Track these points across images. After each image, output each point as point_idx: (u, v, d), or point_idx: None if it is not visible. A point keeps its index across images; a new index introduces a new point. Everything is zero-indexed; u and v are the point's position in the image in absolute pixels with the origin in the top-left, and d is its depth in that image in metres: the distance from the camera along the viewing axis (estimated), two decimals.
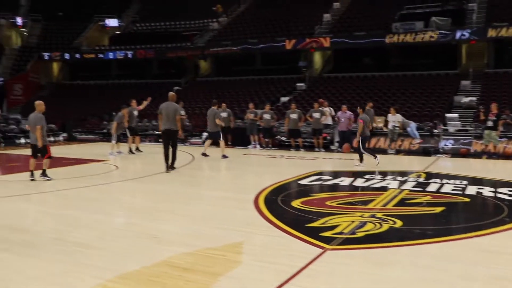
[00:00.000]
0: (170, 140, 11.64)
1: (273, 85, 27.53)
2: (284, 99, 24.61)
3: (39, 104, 10.31)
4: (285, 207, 7.76)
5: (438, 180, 10.25)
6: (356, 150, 13.03)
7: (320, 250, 5.35)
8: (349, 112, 16.77)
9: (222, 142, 14.78)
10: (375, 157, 12.59)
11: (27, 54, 34.09)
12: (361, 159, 12.72)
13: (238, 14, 33.64)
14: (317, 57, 28.76)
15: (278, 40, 27.53)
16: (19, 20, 35.65)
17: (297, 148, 17.20)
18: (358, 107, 13.36)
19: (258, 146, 17.92)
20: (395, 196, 8.51)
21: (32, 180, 10.15)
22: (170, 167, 11.71)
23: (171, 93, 12.38)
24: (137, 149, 16.45)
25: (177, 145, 11.85)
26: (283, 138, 18.43)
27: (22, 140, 21.61)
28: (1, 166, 14.06)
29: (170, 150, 11.66)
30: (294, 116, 17.13)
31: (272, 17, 30.99)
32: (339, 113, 16.88)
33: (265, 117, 17.50)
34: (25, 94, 32.02)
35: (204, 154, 15.02)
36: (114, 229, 6.69)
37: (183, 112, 15.73)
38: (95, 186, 9.63)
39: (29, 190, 9.28)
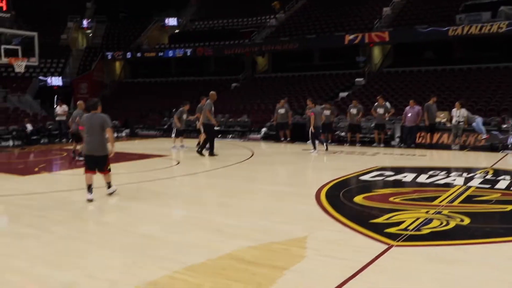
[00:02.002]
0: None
1: (331, 80, 27.27)
2: (343, 94, 24.34)
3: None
4: (348, 202, 7.69)
5: (508, 177, 9.81)
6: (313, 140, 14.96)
7: (385, 246, 5.27)
8: (417, 107, 16.36)
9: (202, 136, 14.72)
10: (315, 149, 14.76)
11: (92, 55, 35.42)
12: (314, 147, 14.82)
13: (296, 10, 33.51)
14: (376, 52, 28.21)
15: (336, 35, 27.23)
16: (85, 23, 37.14)
17: (355, 143, 17.01)
18: (308, 100, 15.83)
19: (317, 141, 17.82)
20: (462, 193, 8.23)
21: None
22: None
23: (211, 92, 14.20)
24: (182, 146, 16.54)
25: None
26: (342, 134, 18.24)
27: None
28: (68, 161, 14.66)
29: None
30: (354, 111, 17.06)
31: (330, 12, 30.69)
32: (407, 108, 16.51)
33: (325, 113, 17.38)
34: (90, 92, 33.27)
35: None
36: (179, 222, 6.85)
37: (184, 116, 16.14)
38: (158, 181, 9.88)
39: (95, 184, 9.63)
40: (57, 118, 21.00)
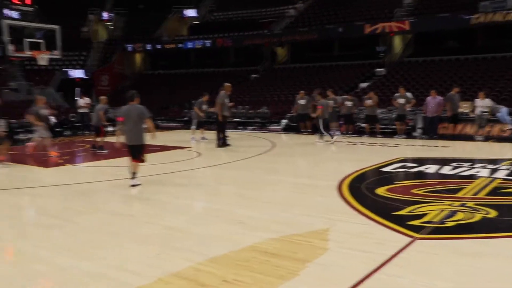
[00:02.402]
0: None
1: (351, 71, 27.02)
2: (363, 85, 24.11)
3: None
4: (370, 194, 7.63)
5: None
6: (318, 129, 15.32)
7: (409, 239, 5.22)
8: (439, 97, 16.16)
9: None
10: (332, 136, 15.12)
11: (112, 47, 35.66)
12: (321, 137, 15.21)
13: (315, 0, 33.24)
14: (397, 41, 27.86)
15: (356, 24, 26.93)
16: (105, 15, 37.39)
17: (376, 134, 16.86)
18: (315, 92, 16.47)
19: (338, 133, 17.72)
20: (487, 185, 8.10)
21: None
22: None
23: (225, 84, 14.67)
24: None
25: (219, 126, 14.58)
26: (363, 125, 18.11)
27: (110, 128, 22.75)
28: (90, 153, 14.82)
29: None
30: (370, 102, 16.90)
31: (350, 1, 30.35)
32: (429, 98, 16.31)
33: (347, 104, 17.25)
34: (111, 84, 33.58)
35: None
36: (201, 214, 6.88)
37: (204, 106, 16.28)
38: (179, 172, 9.93)
39: (118, 176, 9.72)
40: (79, 110, 21.24)
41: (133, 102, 8.51)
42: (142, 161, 8.63)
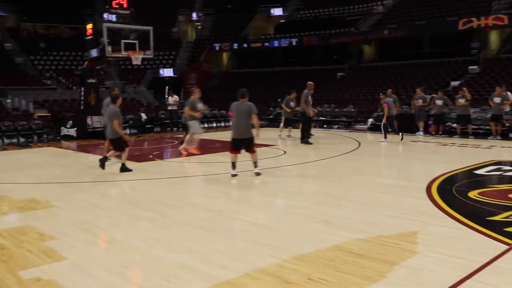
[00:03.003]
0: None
1: (442, 68, 25.95)
2: (454, 83, 23.04)
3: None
4: (461, 197, 7.31)
5: None
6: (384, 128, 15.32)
7: (505, 247, 4.94)
8: None
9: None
10: (385, 138, 15.16)
11: (200, 46, 36.77)
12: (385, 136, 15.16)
13: None
14: (494, 37, 26.35)
15: (448, 20, 25.81)
16: (194, 15, 38.62)
17: (467, 135, 16.04)
18: (380, 94, 16.07)
19: (421, 133, 17.10)
20: None
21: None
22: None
23: (308, 83, 14.82)
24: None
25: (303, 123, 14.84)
26: (454, 125, 17.29)
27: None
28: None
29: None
30: (462, 101, 16.05)
31: None
32: None
33: (438, 103, 16.56)
34: (199, 82, 34.58)
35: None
36: (287, 211, 6.93)
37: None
38: (265, 170, 10.04)
39: (205, 171, 10.02)
40: (169, 108, 22.11)
41: (244, 100, 9.25)
42: (254, 151, 9.34)
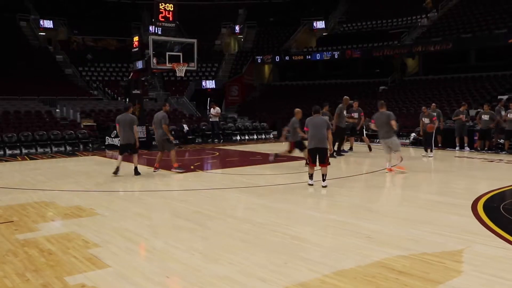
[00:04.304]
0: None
1: (489, 82, 25.26)
2: (502, 97, 22.35)
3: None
4: (510, 216, 7.07)
5: None
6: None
7: None
8: None
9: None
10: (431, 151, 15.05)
11: (242, 58, 37.09)
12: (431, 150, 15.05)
13: (450, 8, 31.68)
14: None
15: (496, 33, 25.17)
16: (237, 28, 39.06)
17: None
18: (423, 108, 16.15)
19: (467, 148, 16.65)
20: None
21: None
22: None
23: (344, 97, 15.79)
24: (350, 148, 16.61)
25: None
26: (501, 141, 16.76)
27: (238, 137, 23.67)
28: (219, 160, 15.50)
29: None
30: (511, 116, 15.55)
31: (488, 8, 28.46)
32: None
33: (484, 118, 16.10)
34: (240, 95, 34.93)
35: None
36: (328, 226, 6.86)
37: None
38: (304, 183, 9.98)
39: (245, 183, 10.04)
40: (211, 119, 22.36)
41: (319, 114, 10.00)
42: (328, 164, 9.76)
